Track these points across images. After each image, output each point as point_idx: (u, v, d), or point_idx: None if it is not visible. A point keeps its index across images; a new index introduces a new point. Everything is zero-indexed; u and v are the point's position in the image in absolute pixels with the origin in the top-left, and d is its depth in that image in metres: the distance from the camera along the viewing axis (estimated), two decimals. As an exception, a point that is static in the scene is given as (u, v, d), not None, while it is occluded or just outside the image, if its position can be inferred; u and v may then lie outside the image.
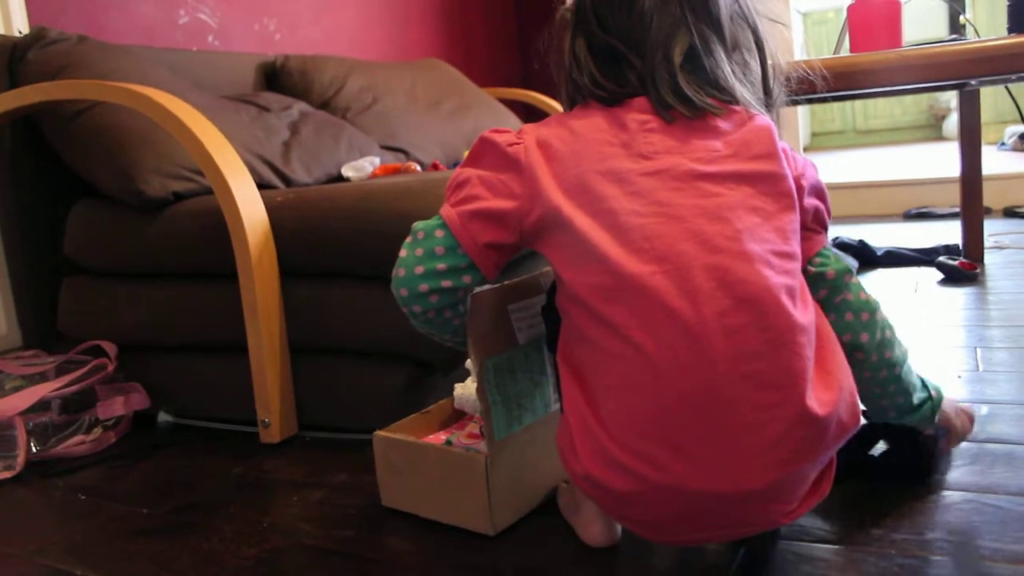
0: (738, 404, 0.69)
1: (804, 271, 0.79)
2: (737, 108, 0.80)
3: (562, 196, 0.76)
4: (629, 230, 0.73)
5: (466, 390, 1.10)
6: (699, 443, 0.69)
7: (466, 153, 0.87)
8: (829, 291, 0.83)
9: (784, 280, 0.72)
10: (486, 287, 0.88)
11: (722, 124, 0.79)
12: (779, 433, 0.69)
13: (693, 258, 0.71)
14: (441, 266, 0.80)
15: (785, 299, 0.71)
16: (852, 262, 2.10)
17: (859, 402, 0.77)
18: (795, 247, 0.76)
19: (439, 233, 0.81)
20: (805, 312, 0.73)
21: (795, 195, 0.78)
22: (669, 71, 0.79)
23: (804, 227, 0.81)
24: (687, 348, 0.69)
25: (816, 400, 0.71)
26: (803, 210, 0.81)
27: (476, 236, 0.80)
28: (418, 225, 0.83)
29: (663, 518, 0.73)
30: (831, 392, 0.73)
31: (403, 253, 0.82)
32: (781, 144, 0.80)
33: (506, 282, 0.92)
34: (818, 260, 0.83)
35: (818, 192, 0.84)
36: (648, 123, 0.78)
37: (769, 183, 0.76)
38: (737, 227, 0.73)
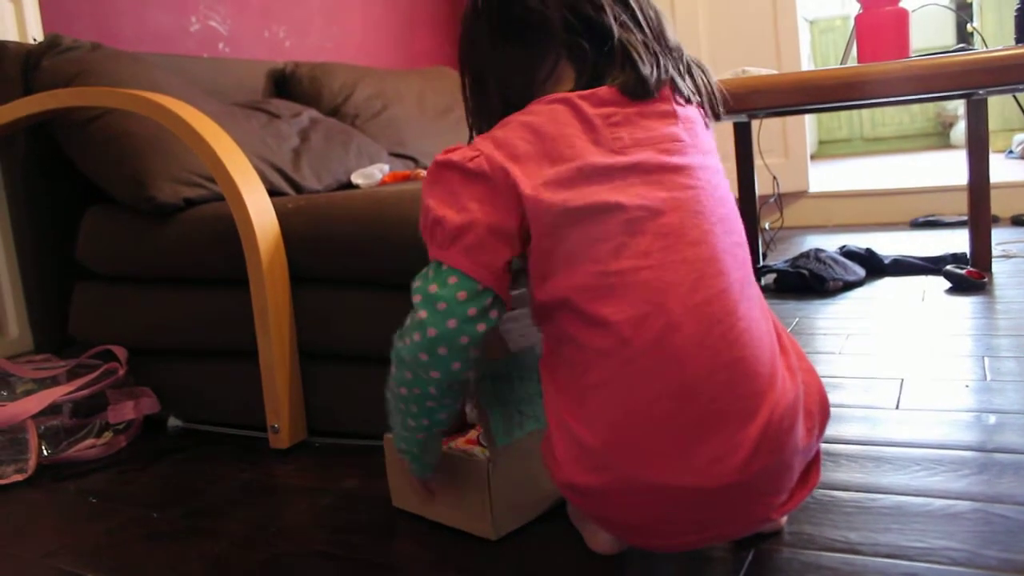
0: (719, 395, 0.71)
1: None
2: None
3: (544, 196, 0.74)
4: (615, 227, 0.74)
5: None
6: (680, 438, 0.71)
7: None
8: None
9: (745, 272, 0.77)
10: None
11: (667, 107, 0.80)
12: (760, 423, 0.72)
13: (676, 252, 0.73)
14: (471, 311, 0.76)
15: (748, 291, 0.76)
16: (859, 271, 2.10)
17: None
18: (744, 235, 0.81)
19: (452, 280, 0.76)
20: (764, 304, 0.78)
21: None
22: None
23: None
24: (671, 339, 0.71)
25: (789, 390, 0.75)
26: None
27: (490, 263, 0.76)
28: (422, 286, 0.77)
29: (646, 519, 0.75)
30: (797, 382, 0.77)
31: (423, 314, 0.76)
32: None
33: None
34: None
35: None
36: (612, 116, 0.78)
37: (717, 170, 0.81)
38: (712, 220, 0.76)
